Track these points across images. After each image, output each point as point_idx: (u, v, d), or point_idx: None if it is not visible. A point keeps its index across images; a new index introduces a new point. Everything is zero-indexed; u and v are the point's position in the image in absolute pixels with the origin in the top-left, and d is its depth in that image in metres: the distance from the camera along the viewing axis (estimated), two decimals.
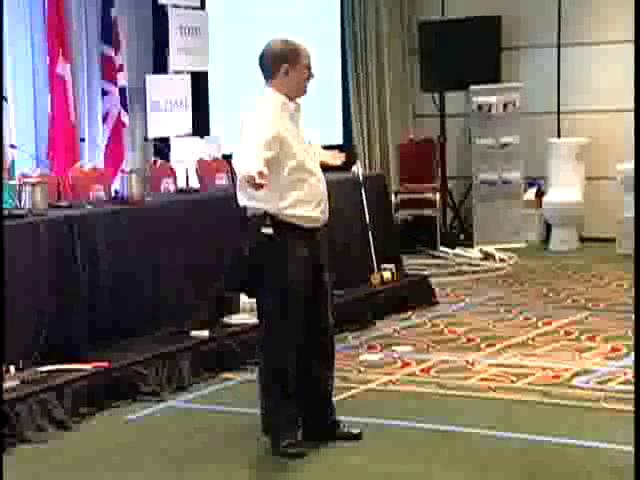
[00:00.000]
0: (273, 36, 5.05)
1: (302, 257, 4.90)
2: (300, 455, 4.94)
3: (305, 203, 4.90)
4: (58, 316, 5.98)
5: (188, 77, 9.67)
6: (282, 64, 4.88)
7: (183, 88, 9.60)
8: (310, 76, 4.96)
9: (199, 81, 9.86)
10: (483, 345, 7.08)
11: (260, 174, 4.52)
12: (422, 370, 6.49)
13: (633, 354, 6.35)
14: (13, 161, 7.68)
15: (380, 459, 4.93)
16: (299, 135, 4.97)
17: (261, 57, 4.96)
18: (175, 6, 9.48)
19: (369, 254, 8.33)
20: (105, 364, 5.89)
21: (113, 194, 7.36)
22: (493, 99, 11.43)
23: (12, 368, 5.59)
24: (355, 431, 5.19)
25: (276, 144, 4.81)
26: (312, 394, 5.12)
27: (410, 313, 8.17)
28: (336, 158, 5.42)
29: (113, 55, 8.85)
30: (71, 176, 7.53)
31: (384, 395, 6.01)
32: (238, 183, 4.90)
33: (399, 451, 5.03)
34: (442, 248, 11.01)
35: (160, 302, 6.72)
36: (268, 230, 4.82)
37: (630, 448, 4.08)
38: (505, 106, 11.43)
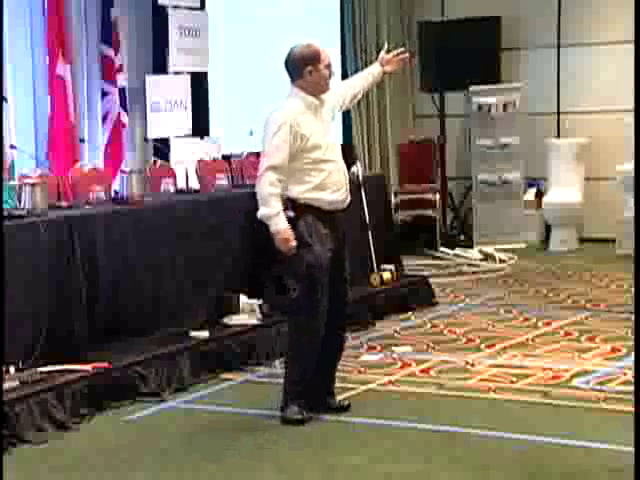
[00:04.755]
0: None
1: (325, 234, 5.39)
2: (302, 422, 5.37)
3: (323, 189, 5.39)
4: (58, 316, 5.97)
5: (188, 77, 9.67)
6: (307, 65, 5.40)
7: (183, 88, 9.60)
8: (331, 74, 5.49)
9: (199, 81, 9.86)
10: (483, 345, 7.08)
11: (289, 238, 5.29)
12: (422, 370, 6.49)
13: (633, 354, 6.35)
14: (13, 161, 7.67)
15: (380, 459, 4.93)
16: (323, 128, 5.46)
17: (287, 60, 5.48)
18: (175, 6, 9.49)
19: (369, 254, 8.33)
20: (105, 364, 5.88)
21: (113, 194, 7.35)
22: (493, 99, 11.43)
23: (12, 368, 5.58)
24: (345, 403, 5.67)
25: (293, 139, 5.31)
26: (326, 362, 5.56)
27: (410, 313, 8.17)
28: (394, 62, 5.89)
29: (113, 55, 8.84)
30: (71, 176, 7.52)
31: (384, 395, 6.01)
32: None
33: (399, 451, 5.04)
34: (442, 248, 11.01)
35: (160, 302, 6.72)
36: (290, 213, 5.35)
37: (630, 448, 4.07)
38: (505, 106, 11.43)
